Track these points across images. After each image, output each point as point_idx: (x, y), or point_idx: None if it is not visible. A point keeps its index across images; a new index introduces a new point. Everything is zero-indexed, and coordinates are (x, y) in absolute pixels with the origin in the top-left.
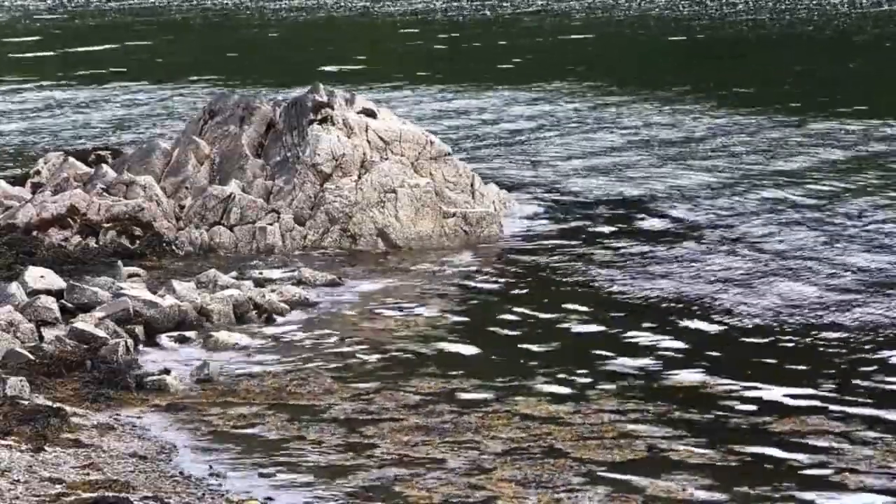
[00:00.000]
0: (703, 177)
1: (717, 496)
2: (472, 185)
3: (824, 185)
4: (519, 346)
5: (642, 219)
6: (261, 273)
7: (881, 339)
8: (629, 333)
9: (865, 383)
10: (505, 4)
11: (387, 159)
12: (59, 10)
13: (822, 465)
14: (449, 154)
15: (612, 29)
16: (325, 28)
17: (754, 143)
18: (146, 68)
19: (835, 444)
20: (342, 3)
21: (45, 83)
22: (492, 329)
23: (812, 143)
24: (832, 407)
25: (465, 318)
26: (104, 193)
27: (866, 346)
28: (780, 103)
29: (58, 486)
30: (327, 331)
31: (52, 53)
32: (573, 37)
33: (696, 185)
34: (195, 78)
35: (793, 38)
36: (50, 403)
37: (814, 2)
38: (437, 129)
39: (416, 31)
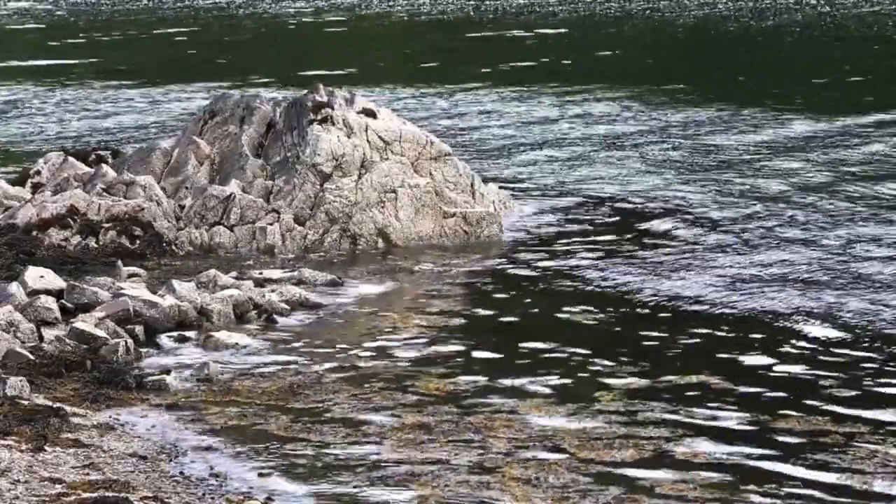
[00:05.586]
0: (705, 176)
1: (725, 496)
2: (472, 185)
3: (834, 186)
4: (520, 346)
5: (643, 218)
6: (261, 273)
7: (888, 339)
8: (631, 333)
9: (870, 383)
10: (487, 3)
11: (387, 159)
12: (57, 11)
13: (825, 465)
14: (449, 154)
15: (601, 27)
16: (317, 28)
17: (758, 142)
18: (146, 68)
19: (839, 445)
20: (333, 3)
21: (44, 83)
22: (493, 329)
23: (821, 143)
24: (836, 407)
25: (466, 318)
26: (104, 193)
27: (873, 347)
28: (783, 101)
29: (58, 486)
30: (328, 331)
31: (50, 53)
32: (562, 35)
33: (699, 185)
34: (194, 78)
35: (783, 35)
36: (50, 403)
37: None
38: (435, 129)
39: (409, 30)
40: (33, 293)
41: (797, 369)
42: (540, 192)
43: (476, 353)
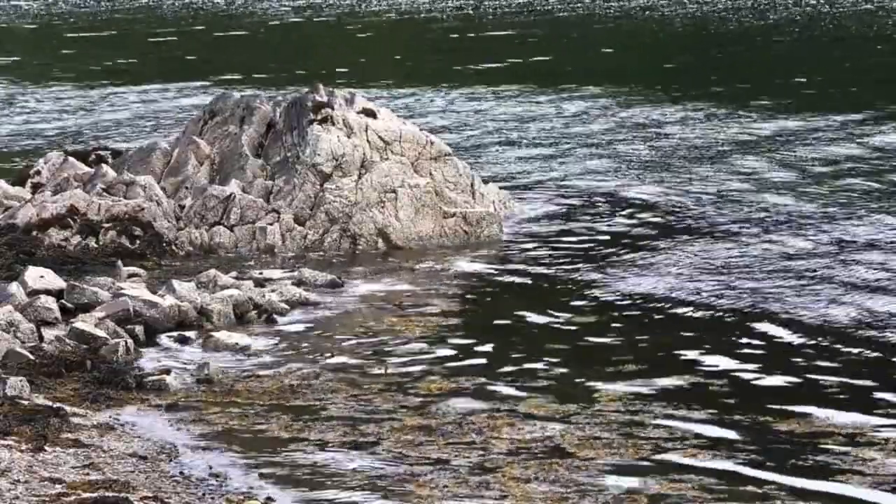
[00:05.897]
0: (704, 176)
1: (724, 497)
2: (472, 185)
3: (833, 186)
4: (520, 346)
5: (643, 218)
6: (261, 273)
7: (889, 338)
8: (632, 333)
9: (871, 383)
10: (487, 2)
11: (387, 159)
12: (56, 10)
13: (825, 467)
14: (449, 154)
15: (600, 26)
16: (314, 28)
17: (757, 141)
18: (145, 68)
19: (840, 445)
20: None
21: (43, 83)
22: (493, 329)
23: (820, 143)
24: (836, 410)
25: (466, 319)
26: (104, 193)
27: (871, 348)
28: (782, 101)
29: (58, 486)
30: (328, 331)
31: (48, 52)
32: (560, 34)
33: (698, 185)
34: (193, 78)
35: (783, 35)
36: (50, 403)
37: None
38: (434, 129)
39: (408, 29)
40: (33, 293)
41: (798, 372)
42: (539, 191)
43: (476, 354)
